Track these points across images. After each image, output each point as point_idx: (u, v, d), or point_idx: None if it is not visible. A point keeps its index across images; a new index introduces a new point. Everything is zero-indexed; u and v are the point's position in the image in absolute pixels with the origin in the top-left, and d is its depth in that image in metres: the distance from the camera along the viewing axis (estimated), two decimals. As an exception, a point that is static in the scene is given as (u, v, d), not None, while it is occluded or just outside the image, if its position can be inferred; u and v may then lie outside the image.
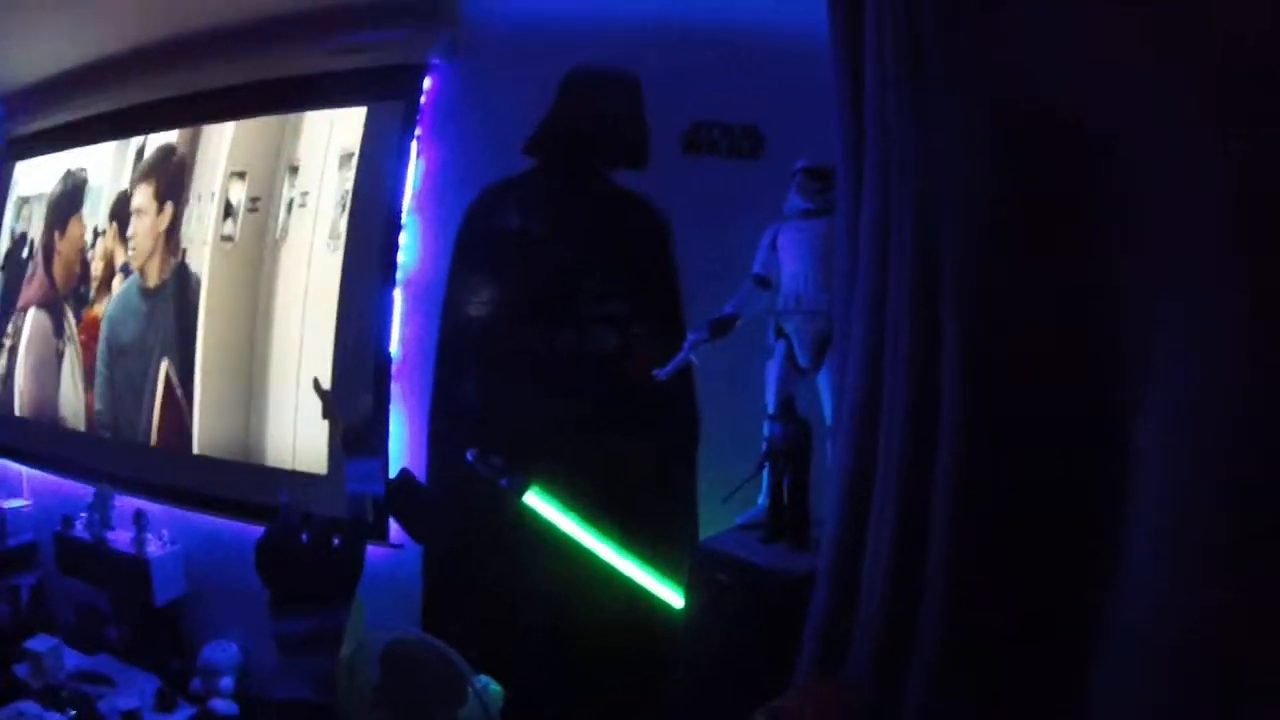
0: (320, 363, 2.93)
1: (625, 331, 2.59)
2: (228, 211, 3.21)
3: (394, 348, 2.78)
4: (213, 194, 3.26)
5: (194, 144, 3.37)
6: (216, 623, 3.15)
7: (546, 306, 2.65)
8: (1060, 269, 1.25)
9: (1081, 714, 1.20)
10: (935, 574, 1.33)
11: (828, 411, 2.08)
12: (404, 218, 2.77)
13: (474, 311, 2.70)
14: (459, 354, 2.73)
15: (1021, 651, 1.26)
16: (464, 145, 2.77)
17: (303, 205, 3.04)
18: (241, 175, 3.20)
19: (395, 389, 2.79)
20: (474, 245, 2.71)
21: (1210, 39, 1.04)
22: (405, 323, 2.78)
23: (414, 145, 2.78)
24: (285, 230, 3.08)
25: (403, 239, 2.78)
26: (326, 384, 2.69)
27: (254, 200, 3.15)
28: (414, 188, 2.78)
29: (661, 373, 2.11)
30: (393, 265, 2.77)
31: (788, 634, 1.73)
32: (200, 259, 3.28)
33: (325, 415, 2.47)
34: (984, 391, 1.31)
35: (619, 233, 2.64)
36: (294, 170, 3.08)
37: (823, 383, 2.09)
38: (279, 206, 3.09)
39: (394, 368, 2.78)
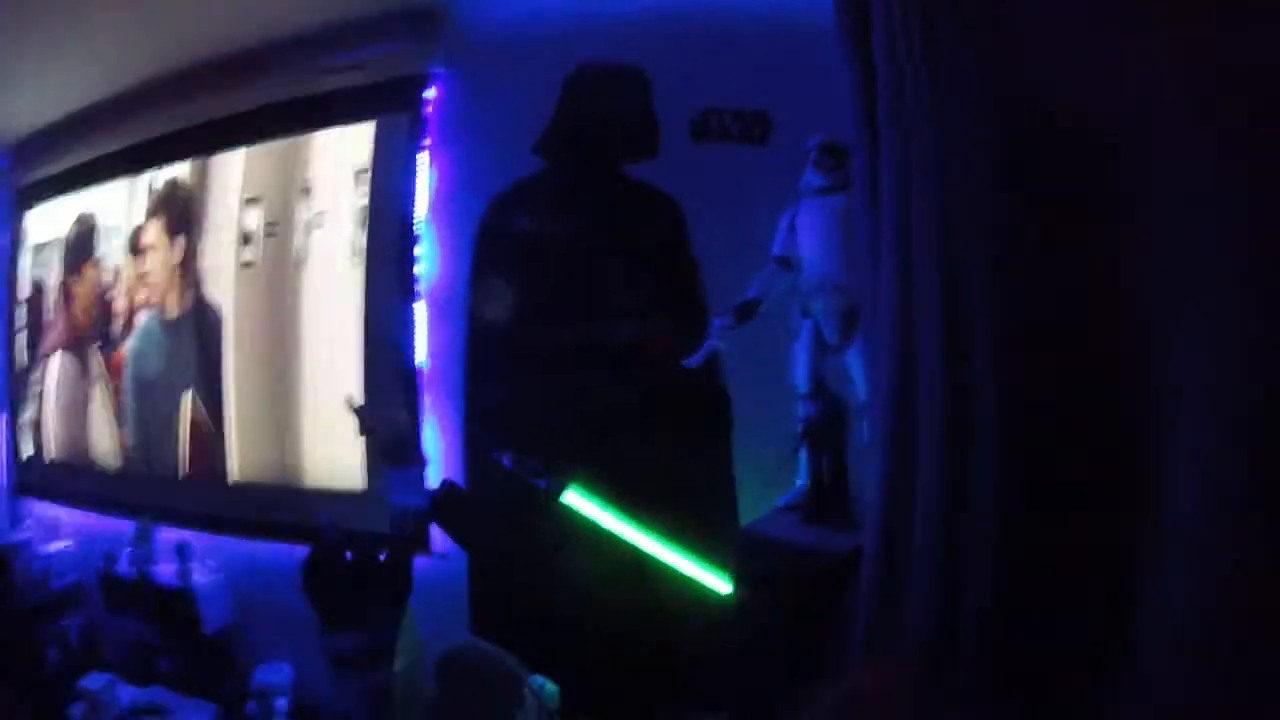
0: (350, 379, 2.96)
1: (649, 323, 2.58)
2: (246, 239, 3.25)
3: (421, 358, 2.78)
4: (229, 222, 3.28)
5: (204, 174, 3.39)
6: (267, 646, 3.15)
7: (568, 304, 2.65)
8: (1092, 256, 1.24)
9: (1125, 696, 1.20)
10: (981, 550, 1.32)
11: (860, 387, 2.08)
12: (420, 228, 2.77)
13: (497, 315, 2.69)
14: (486, 359, 2.73)
15: (1069, 632, 1.25)
16: (473, 151, 2.76)
17: (320, 226, 3.05)
18: (256, 201, 3.22)
19: (426, 399, 2.78)
20: (492, 249, 2.70)
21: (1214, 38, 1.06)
22: (431, 332, 2.79)
23: (424, 156, 2.79)
24: (305, 251, 3.09)
25: (421, 250, 2.78)
26: (358, 400, 2.72)
27: (271, 225, 3.17)
28: (428, 198, 2.80)
29: (691, 361, 2.11)
30: (413, 277, 2.78)
31: (839, 613, 1.73)
32: (222, 288, 3.29)
33: (361, 431, 2.48)
34: (1019, 370, 1.30)
35: (635, 224, 2.64)
36: (307, 192, 3.09)
37: (853, 359, 2.09)
38: (296, 229, 3.11)
39: (423, 378, 2.80)
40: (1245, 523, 1.04)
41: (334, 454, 3.07)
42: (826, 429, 1.99)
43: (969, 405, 1.35)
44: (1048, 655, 1.27)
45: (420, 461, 2.48)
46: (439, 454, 2.78)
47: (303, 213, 3.10)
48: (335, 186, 3.04)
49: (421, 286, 2.78)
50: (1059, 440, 1.27)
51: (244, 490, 3.27)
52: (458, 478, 2.73)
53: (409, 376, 2.80)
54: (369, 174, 2.95)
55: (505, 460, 2.42)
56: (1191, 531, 1.12)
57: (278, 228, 3.16)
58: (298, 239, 3.11)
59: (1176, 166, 1.17)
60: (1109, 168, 1.23)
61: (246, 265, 3.23)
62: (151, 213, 3.49)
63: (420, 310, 2.78)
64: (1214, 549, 1.09)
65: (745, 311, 2.12)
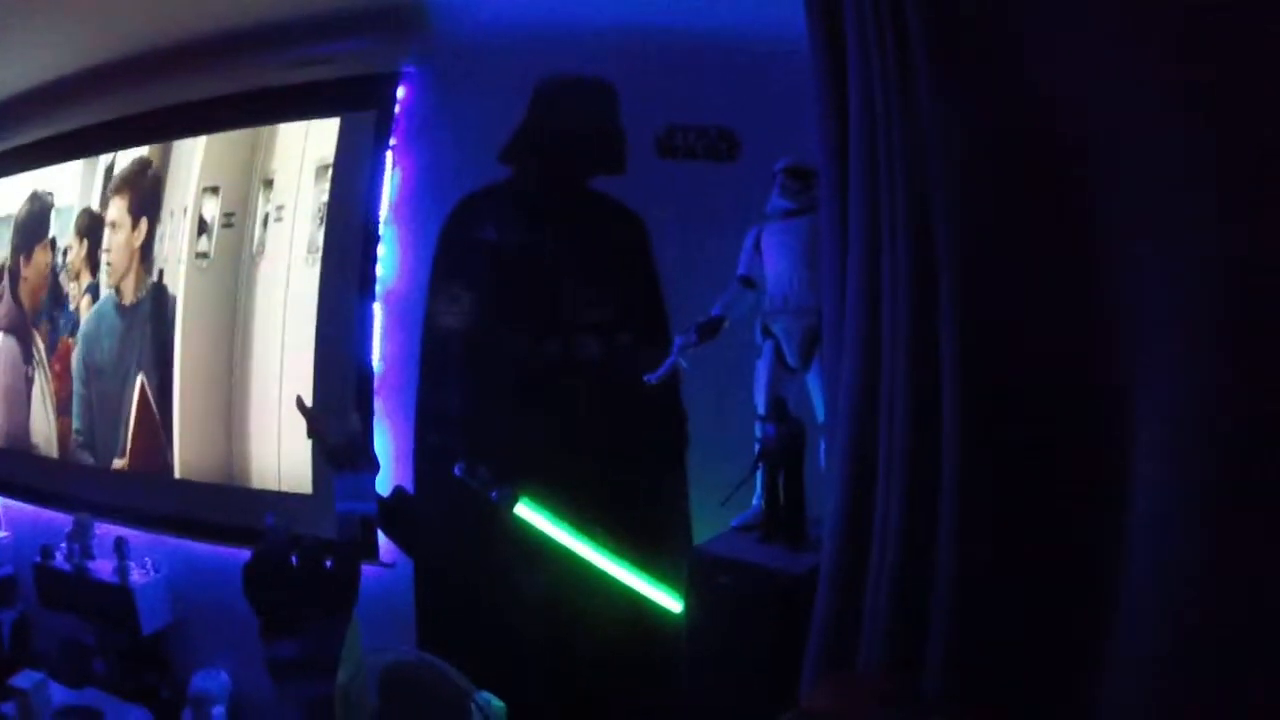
0: (301, 379, 2.89)
1: (610, 339, 2.57)
2: (202, 228, 3.15)
3: (376, 362, 2.73)
4: (185, 210, 3.19)
5: (165, 159, 3.31)
6: (205, 650, 3.08)
7: (529, 316, 2.63)
8: (1057, 264, 1.25)
9: (1090, 708, 1.21)
10: (944, 568, 1.33)
11: (819, 409, 2.08)
12: (381, 229, 2.72)
13: (455, 323, 2.67)
14: (442, 366, 2.70)
15: (1032, 647, 1.26)
16: (439, 154, 2.72)
17: (279, 219, 2.98)
18: (215, 190, 3.14)
19: (378, 404, 2.73)
20: (453, 255, 2.68)
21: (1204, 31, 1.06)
22: (386, 336, 2.72)
23: (389, 155, 2.74)
24: (262, 245, 3.01)
25: (381, 251, 2.73)
26: (308, 401, 2.66)
27: (228, 215, 3.09)
28: (390, 199, 2.75)
29: (652, 377, 2.10)
30: (371, 278, 2.72)
31: (793, 633, 1.72)
32: (175, 277, 3.21)
33: (310, 434, 2.42)
34: (985, 386, 1.31)
35: (598, 239, 2.62)
36: (268, 184, 3.02)
37: (812, 381, 2.09)
38: (254, 221, 3.03)
39: (376, 382, 2.74)
40: (1211, 518, 1.05)
41: (282, 455, 2.99)
42: (784, 450, 1.99)
43: (934, 432, 1.35)
44: (1016, 666, 1.28)
45: (370, 467, 2.43)
46: (389, 461, 2.72)
47: (262, 205, 3.03)
48: (297, 181, 2.96)
49: (379, 288, 2.72)
50: (1027, 448, 1.28)
51: (188, 488, 3.18)
52: (407, 486, 2.68)
53: (362, 379, 2.74)
54: (332, 170, 2.90)
55: (457, 469, 2.39)
56: (1157, 528, 1.13)
57: (235, 219, 3.08)
58: (255, 232, 3.03)
59: (1145, 161, 1.18)
60: (1079, 167, 1.24)
61: (201, 255, 3.16)
62: (115, 191, 3.38)
63: (377, 312, 2.72)
64: (1180, 545, 1.10)
65: (708, 329, 2.11)
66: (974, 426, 1.30)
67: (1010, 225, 1.29)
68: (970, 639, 1.30)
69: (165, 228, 3.27)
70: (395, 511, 2.51)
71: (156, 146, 3.33)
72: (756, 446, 2.15)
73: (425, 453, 2.70)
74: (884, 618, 1.41)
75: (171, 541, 3.10)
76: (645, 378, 2.09)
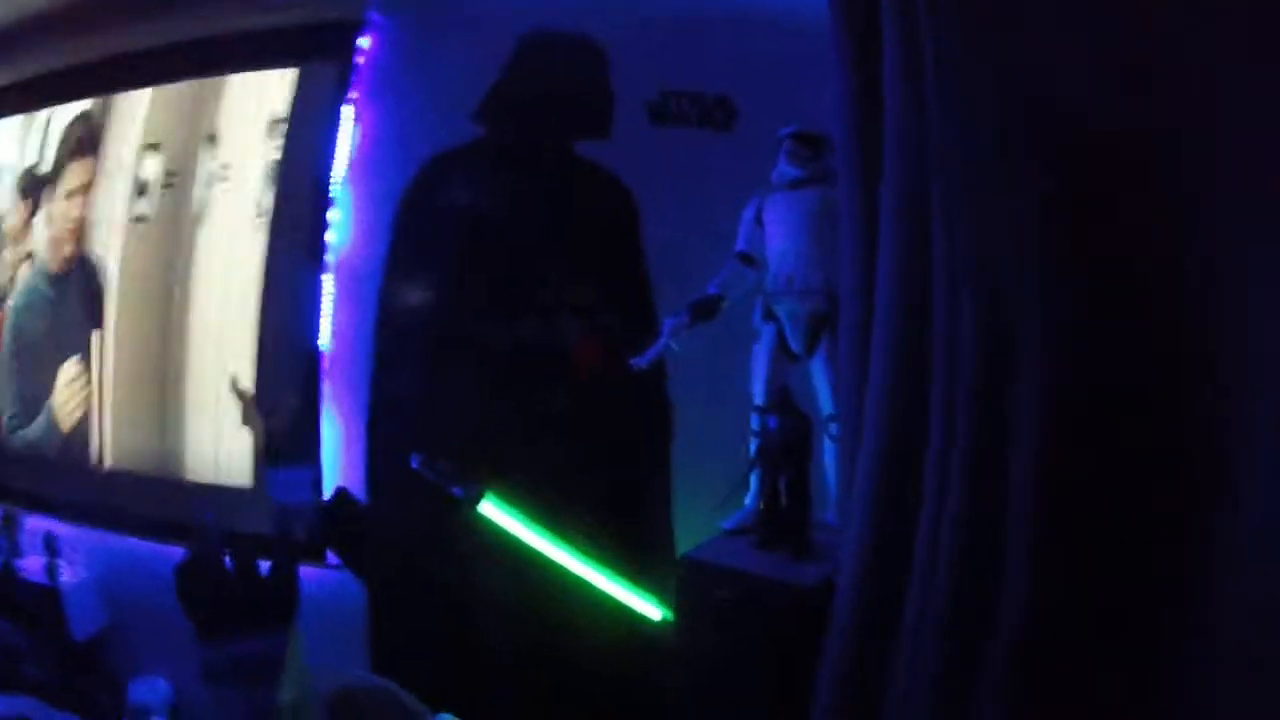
0: (242, 357, 2.66)
1: (590, 319, 2.35)
2: (141, 189, 2.91)
3: (325, 340, 2.48)
4: (124, 170, 2.95)
5: (106, 114, 3.03)
6: (145, 657, 2.79)
7: (500, 293, 2.39)
8: (1154, 262, 1.05)
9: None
10: (1010, 607, 1.10)
11: (824, 401, 1.87)
12: (336, 191, 2.46)
13: (416, 298, 2.42)
14: (399, 347, 2.44)
15: (1118, 659, 1.05)
16: (405, 111, 2.47)
17: (224, 179, 2.72)
18: (156, 148, 2.89)
19: (326, 388, 2.48)
20: (415, 223, 2.42)
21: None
22: (337, 310, 2.48)
23: (349, 110, 2.47)
24: (204, 208, 2.75)
25: (334, 216, 2.47)
26: (247, 382, 2.39)
27: (169, 175, 2.83)
28: (348, 158, 2.49)
29: (641, 361, 1.86)
30: (322, 245, 2.46)
31: (805, 655, 1.50)
32: (111, 243, 2.95)
33: (245, 420, 2.17)
34: (1073, 391, 1.09)
35: (581, 210, 2.38)
36: (213, 140, 2.76)
37: (818, 370, 1.88)
38: (197, 181, 2.79)
39: (325, 363, 2.47)
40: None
41: (220, 444, 2.74)
42: (787, 445, 1.76)
43: (1002, 427, 1.13)
44: (1095, 685, 1.07)
45: (311, 459, 2.18)
46: (337, 451, 2.45)
47: (206, 163, 2.78)
48: (245, 137, 2.73)
49: (331, 257, 2.46)
50: (1119, 464, 1.07)
51: (120, 478, 2.94)
52: (355, 479, 2.41)
53: (308, 360, 2.47)
54: (284, 125, 2.64)
55: (414, 462, 2.13)
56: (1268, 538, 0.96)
57: (177, 179, 2.83)
58: (198, 193, 2.78)
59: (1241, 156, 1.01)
60: (1169, 158, 1.05)
61: (139, 220, 2.90)
62: (54, 148, 3.12)
63: (328, 284, 2.46)
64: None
65: (704, 310, 1.88)
66: (1059, 436, 1.09)
67: (1107, 214, 1.08)
68: (1041, 695, 1.08)
69: (103, 189, 3.03)
70: (337, 518, 2.23)
71: (97, 101, 3.06)
72: (753, 441, 1.93)
73: (379, 443, 2.44)
74: (930, 664, 1.18)
75: (108, 538, 2.84)
76: (633, 362, 1.85)
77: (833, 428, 1.85)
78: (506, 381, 2.35)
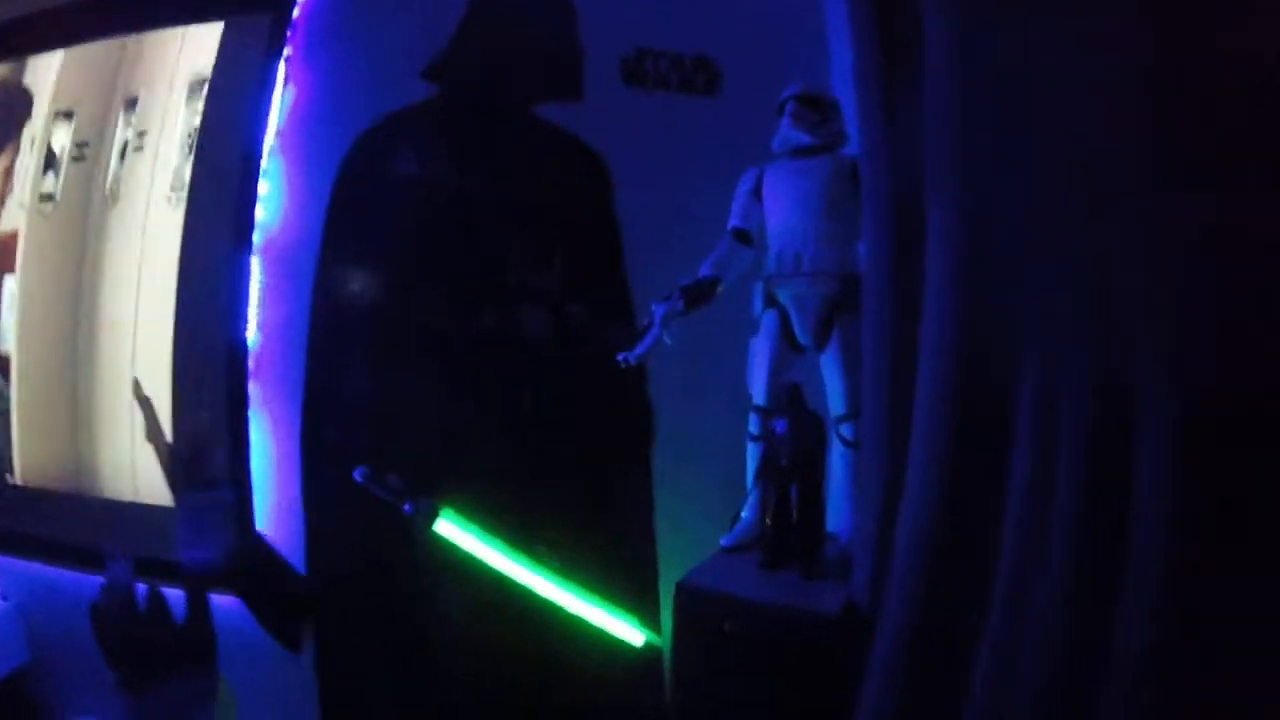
0: (158, 355, 2.30)
1: (556, 308, 2.07)
2: (49, 163, 2.57)
3: (251, 334, 2.14)
4: (33, 141, 2.61)
5: (18, 79, 2.68)
6: (74, 698, 2.43)
7: (454, 278, 2.09)
8: None
9: None
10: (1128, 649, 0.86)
11: (834, 400, 1.63)
12: (266, 161, 2.14)
13: (358, 285, 2.11)
14: (339, 342, 2.12)
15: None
16: (345, 68, 2.16)
17: (139, 149, 2.40)
18: (68, 116, 2.56)
19: (254, 390, 2.14)
20: (356, 198, 2.10)
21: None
22: (266, 300, 2.14)
23: (281, 69, 2.17)
24: (117, 182, 2.44)
25: (263, 189, 2.14)
26: (163, 385, 2.06)
27: (80, 146, 2.51)
28: (280, 123, 2.17)
29: (630, 356, 1.58)
30: (249, 224, 2.13)
31: (829, 694, 1.26)
32: (14, 227, 2.61)
33: (150, 436, 1.85)
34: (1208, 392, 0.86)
35: (547, 181, 2.11)
36: (131, 104, 2.44)
37: (830, 363, 1.64)
38: (110, 152, 2.46)
39: (251, 361, 2.14)
40: None
41: (136, 456, 2.39)
42: (798, 452, 1.51)
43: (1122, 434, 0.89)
44: None
45: (237, 477, 1.87)
46: (267, 465, 2.12)
47: (121, 132, 2.46)
48: (166, 101, 2.40)
49: (259, 237, 2.15)
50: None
51: (30, 497, 2.58)
52: (289, 495, 2.09)
53: (231, 357, 2.13)
54: (209, 87, 2.32)
55: (358, 475, 1.83)
56: None
57: (88, 150, 2.50)
58: (110, 166, 2.46)
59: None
60: None
61: (45, 199, 2.57)
62: None
63: (255, 269, 2.14)
64: None
65: (698, 294, 1.62)
66: (1197, 446, 0.85)
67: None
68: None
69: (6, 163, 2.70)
70: (254, 575, 1.92)
71: (7, 66, 2.71)
72: (751, 447, 1.69)
73: (317, 453, 2.12)
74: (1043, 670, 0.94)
75: (23, 564, 2.49)
76: (620, 357, 1.58)
77: (845, 430, 1.61)
78: (463, 381, 2.06)
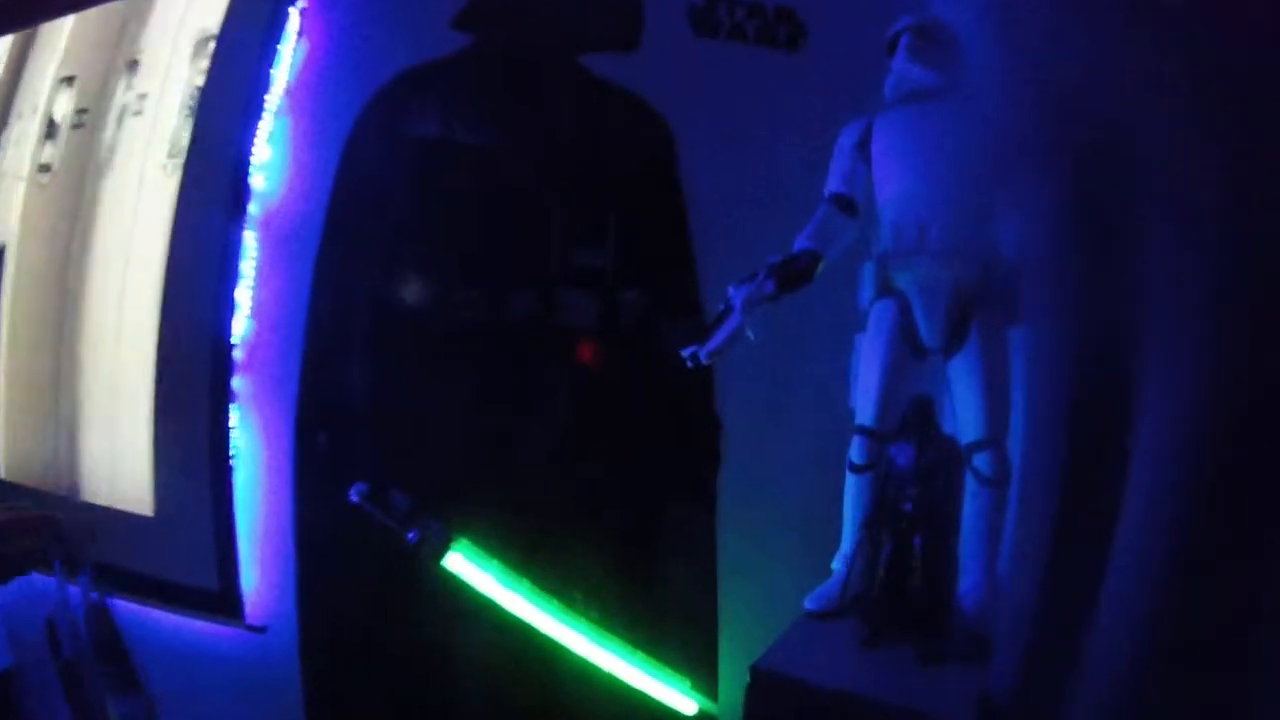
0: (143, 344, 2.06)
1: (609, 296, 1.75)
2: (50, 131, 2.42)
3: (241, 322, 1.86)
4: (35, 109, 2.47)
5: (27, 47, 2.54)
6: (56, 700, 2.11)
7: (485, 258, 1.79)
8: None
9: None
10: None
11: (968, 421, 1.24)
12: (269, 122, 1.88)
13: (367, 265, 1.83)
14: (343, 332, 1.85)
15: None
16: (365, 19, 1.93)
17: (138, 113, 2.24)
18: (70, 81, 2.41)
19: (243, 386, 1.85)
20: (371, 162, 1.82)
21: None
22: (261, 282, 1.86)
23: (293, 19, 1.93)
24: (112, 150, 2.25)
25: (262, 155, 1.87)
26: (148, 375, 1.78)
27: (80, 113, 2.38)
28: (287, 81, 1.91)
29: (702, 351, 1.21)
30: (244, 193, 1.86)
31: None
32: (12, 201, 2.46)
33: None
34: None
35: (598, 146, 1.81)
36: (133, 66, 2.26)
37: (963, 373, 1.25)
38: (108, 117, 2.28)
39: (240, 353, 1.85)
40: None
41: (118, 457, 2.14)
42: (927, 491, 1.12)
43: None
44: None
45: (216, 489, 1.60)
46: (256, 474, 1.80)
47: (121, 95, 2.27)
48: (168, 60, 2.20)
49: (256, 208, 1.87)
50: None
51: (14, 494, 2.37)
52: (281, 513, 1.76)
53: (217, 350, 1.86)
54: (215, 43, 2.08)
55: (355, 494, 1.51)
56: None
57: (88, 116, 2.35)
58: (108, 133, 2.27)
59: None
60: None
61: (43, 169, 2.42)
62: None
63: (250, 245, 1.86)
64: None
65: (793, 272, 1.25)
66: None
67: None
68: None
69: (12, 133, 2.54)
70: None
71: (19, 37, 2.56)
72: (851, 480, 1.30)
73: (311, 464, 1.83)
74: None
75: None
76: (689, 352, 1.20)
77: (981, 462, 1.21)
78: (492, 382, 1.76)
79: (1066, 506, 1.06)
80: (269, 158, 1.88)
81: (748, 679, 1.11)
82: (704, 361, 1.19)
